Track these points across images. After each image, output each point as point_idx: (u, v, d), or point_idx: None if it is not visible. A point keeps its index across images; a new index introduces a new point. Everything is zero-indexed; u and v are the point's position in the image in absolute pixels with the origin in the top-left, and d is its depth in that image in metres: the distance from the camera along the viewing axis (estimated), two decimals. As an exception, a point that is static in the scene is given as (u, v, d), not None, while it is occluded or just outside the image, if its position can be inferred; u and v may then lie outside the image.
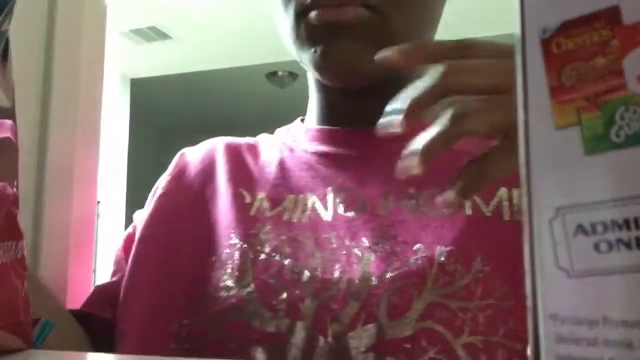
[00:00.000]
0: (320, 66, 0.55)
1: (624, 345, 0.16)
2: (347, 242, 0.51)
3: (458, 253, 0.48)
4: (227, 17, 3.85)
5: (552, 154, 0.18)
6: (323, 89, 0.61)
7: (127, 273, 0.57)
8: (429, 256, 0.48)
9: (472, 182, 0.36)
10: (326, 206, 0.54)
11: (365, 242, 0.51)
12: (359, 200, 0.54)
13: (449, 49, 0.38)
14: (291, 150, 0.61)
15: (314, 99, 0.63)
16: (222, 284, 0.51)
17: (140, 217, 0.62)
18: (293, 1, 0.54)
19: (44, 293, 0.55)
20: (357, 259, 0.50)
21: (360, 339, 0.46)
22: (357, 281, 0.48)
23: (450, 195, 0.37)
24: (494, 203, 0.52)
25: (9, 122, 0.38)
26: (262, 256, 0.51)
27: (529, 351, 0.18)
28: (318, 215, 0.54)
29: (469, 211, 0.51)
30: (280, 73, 4.68)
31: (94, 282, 0.63)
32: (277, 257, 0.51)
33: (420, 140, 0.36)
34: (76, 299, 0.57)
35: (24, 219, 0.39)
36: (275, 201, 0.56)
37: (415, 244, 0.49)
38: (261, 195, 0.56)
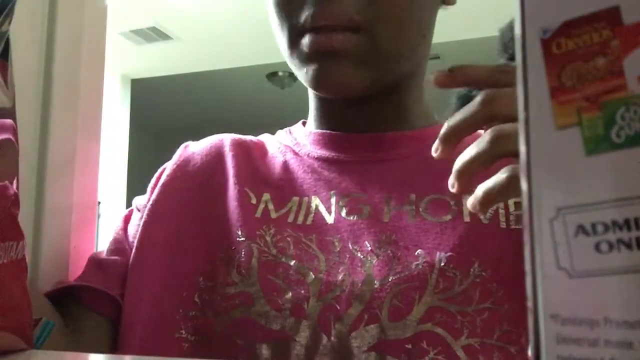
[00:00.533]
0: (313, 84, 0.57)
1: (624, 345, 0.16)
2: (350, 246, 0.52)
3: (457, 259, 0.50)
4: (227, 18, 3.85)
5: (552, 155, 0.18)
6: (319, 96, 0.62)
7: (133, 257, 0.57)
8: (430, 261, 0.50)
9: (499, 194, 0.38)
10: (330, 210, 0.55)
11: (367, 246, 0.52)
12: (362, 204, 0.55)
13: (487, 73, 0.42)
14: (294, 152, 0.62)
15: (312, 104, 0.64)
16: (228, 280, 0.52)
17: (141, 202, 0.62)
18: (286, 24, 0.56)
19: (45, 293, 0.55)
20: (361, 262, 0.51)
21: (363, 338, 0.48)
22: (360, 284, 0.50)
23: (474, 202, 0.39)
24: (490, 211, 0.53)
25: (9, 122, 0.38)
26: (269, 257, 0.53)
27: (529, 352, 0.18)
28: (322, 218, 0.55)
29: (467, 218, 0.53)
30: (280, 73, 4.69)
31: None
32: (283, 259, 0.52)
33: (460, 160, 0.39)
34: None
35: (24, 219, 0.39)
36: (280, 203, 0.57)
37: (416, 249, 0.51)
38: (266, 196, 0.57)
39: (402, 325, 0.47)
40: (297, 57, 0.56)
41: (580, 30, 0.17)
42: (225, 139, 0.64)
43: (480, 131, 0.41)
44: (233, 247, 0.54)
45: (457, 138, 0.40)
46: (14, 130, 0.38)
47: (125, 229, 0.61)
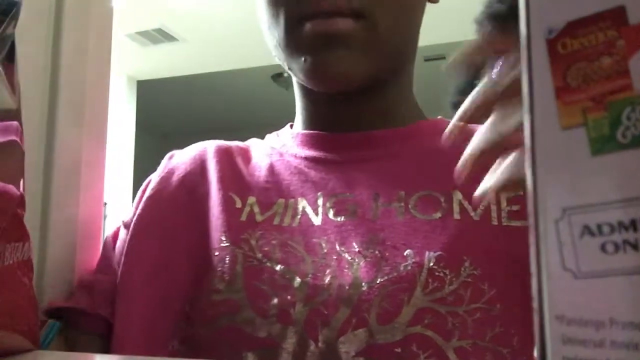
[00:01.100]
0: (310, 74, 0.55)
1: (630, 346, 0.16)
2: (337, 247, 0.51)
3: (447, 258, 0.49)
4: (232, 19, 3.86)
5: (558, 155, 0.18)
6: (307, 94, 0.61)
7: (120, 274, 0.56)
8: (419, 261, 0.49)
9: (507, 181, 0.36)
10: (317, 211, 0.54)
11: (355, 246, 0.51)
12: (349, 204, 0.54)
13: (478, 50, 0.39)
14: (280, 154, 0.61)
15: (299, 104, 0.63)
16: (213, 288, 0.51)
17: (127, 217, 0.61)
18: (283, 12, 0.55)
19: (51, 294, 0.55)
20: (348, 264, 0.50)
21: (351, 343, 0.46)
22: (347, 287, 0.48)
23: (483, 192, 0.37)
24: (481, 207, 0.52)
25: (15, 124, 0.38)
26: (254, 262, 0.51)
27: (535, 352, 0.18)
28: (309, 220, 0.54)
29: (457, 216, 0.51)
30: (285, 74, 4.67)
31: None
32: (268, 264, 0.51)
33: (472, 142, 0.37)
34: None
35: (30, 220, 0.39)
36: (266, 205, 0.56)
37: (405, 248, 0.50)
38: (252, 199, 0.56)
39: (391, 328, 0.46)
40: (295, 46, 0.55)
41: (586, 30, 0.17)
42: (209, 147, 0.63)
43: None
44: (217, 254, 0.53)
45: (472, 118, 0.38)
46: (20, 132, 0.38)
47: (113, 247, 0.60)
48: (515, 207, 0.51)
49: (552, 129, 0.18)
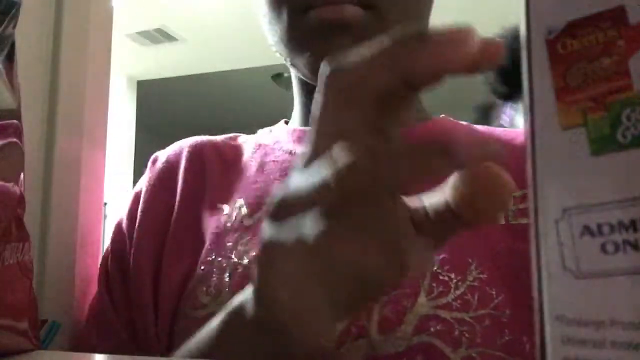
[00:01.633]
0: (313, 67, 0.53)
1: (630, 347, 0.16)
2: None
3: (452, 260, 0.46)
4: (233, 19, 3.86)
5: (558, 155, 0.18)
6: (308, 90, 0.59)
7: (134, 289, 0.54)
8: None
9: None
10: None
11: None
12: None
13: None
14: (273, 151, 0.58)
15: (299, 100, 0.62)
16: (197, 303, 0.49)
17: (124, 229, 0.58)
18: (285, 3, 0.52)
19: (51, 294, 0.55)
20: None
21: (350, 355, 0.43)
22: None
23: None
24: None
25: (15, 123, 0.38)
26: (239, 270, 0.48)
27: (536, 352, 0.18)
28: None
29: None
30: (285, 74, 4.68)
31: (101, 283, 0.62)
32: None
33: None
34: (83, 300, 0.57)
35: (30, 220, 0.39)
36: (255, 207, 0.53)
37: None
38: (240, 202, 0.54)
39: (393, 338, 0.43)
40: (298, 38, 0.52)
41: (586, 30, 0.17)
42: (192, 147, 0.60)
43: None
44: (203, 267, 0.50)
45: None
46: (20, 132, 0.38)
47: (113, 266, 0.57)
48: (522, 206, 0.48)
49: (551, 129, 0.18)
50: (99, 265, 0.59)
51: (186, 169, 0.58)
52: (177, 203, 0.56)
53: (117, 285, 0.56)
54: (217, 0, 3.69)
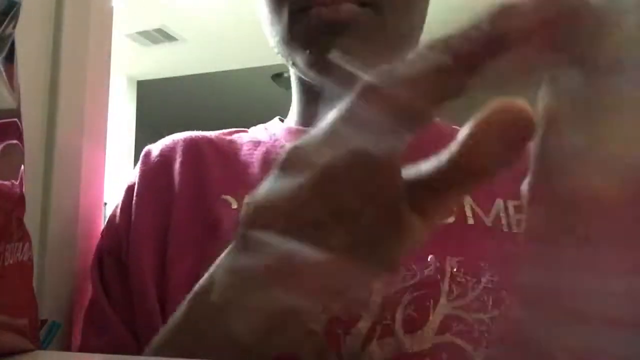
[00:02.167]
0: (314, 66, 0.53)
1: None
2: None
3: (467, 263, 0.47)
4: (233, 19, 3.86)
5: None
6: (307, 89, 0.59)
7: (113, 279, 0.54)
8: (440, 267, 0.47)
9: None
10: None
11: None
12: None
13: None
14: (274, 148, 0.58)
15: (296, 99, 0.62)
16: None
17: (118, 225, 0.58)
18: (286, 4, 0.53)
19: (51, 294, 0.55)
20: None
21: (377, 353, 0.44)
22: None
23: None
24: (493, 214, 0.51)
25: (15, 123, 0.38)
26: None
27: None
28: None
29: (471, 221, 0.50)
30: (285, 74, 4.67)
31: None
32: None
33: None
34: (83, 301, 0.57)
35: (30, 220, 0.39)
36: None
37: (425, 253, 0.48)
38: (248, 199, 0.54)
39: (419, 337, 0.44)
40: (298, 38, 0.53)
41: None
42: (187, 140, 0.60)
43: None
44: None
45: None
46: (20, 132, 0.38)
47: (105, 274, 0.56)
48: (520, 216, 0.50)
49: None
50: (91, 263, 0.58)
51: (182, 162, 0.58)
52: (175, 196, 0.55)
53: (116, 286, 0.55)
54: (217, 0, 3.69)
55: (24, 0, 0.36)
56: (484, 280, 0.46)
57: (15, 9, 0.36)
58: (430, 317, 0.45)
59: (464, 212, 0.51)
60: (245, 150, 0.59)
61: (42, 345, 0.48)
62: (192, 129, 0.63)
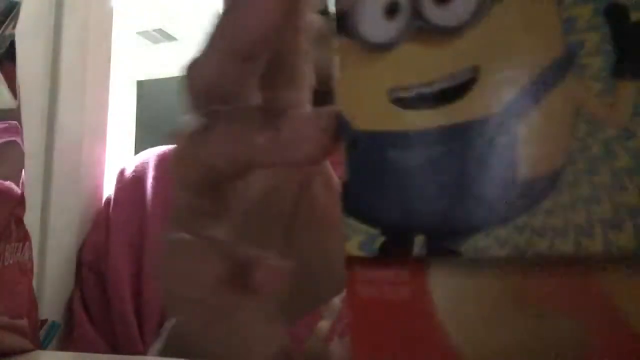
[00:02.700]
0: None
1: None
2: None
3: None
4: (233, 19, 3.86)
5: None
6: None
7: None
8: None
9: None
10: None
11: None
12: None
13: None
14: None
15: None
16: None
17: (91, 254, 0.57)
18: None
19: (51, 294, 0.55)
20: None
21: (339, 351, 0.44)
22: None
23: None
24: None
25: (15, 123, 0.38)
26: None
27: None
28: None
29: None
30: (286, 74, 4.70)
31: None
32: None
33: None
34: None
35: (30, 220, 0.39)
36: None
37: None
38: None
39: None
40: None
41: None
42: (159, 156, 0.60)
43: None
44: None
45: None
46: (20, 132, 0.38)
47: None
48: None
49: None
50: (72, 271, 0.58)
51: (155, 177, 0.58)
52: (149, 212, 0.56)
53: (94, 300, 0.55)
54: (217, 1, 3.69)
55: (24, 1, 0.36)
56: None
57: (15, 9, 0.36)
58: None
59: None
60: None
61: (42, 345, 0.48)
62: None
